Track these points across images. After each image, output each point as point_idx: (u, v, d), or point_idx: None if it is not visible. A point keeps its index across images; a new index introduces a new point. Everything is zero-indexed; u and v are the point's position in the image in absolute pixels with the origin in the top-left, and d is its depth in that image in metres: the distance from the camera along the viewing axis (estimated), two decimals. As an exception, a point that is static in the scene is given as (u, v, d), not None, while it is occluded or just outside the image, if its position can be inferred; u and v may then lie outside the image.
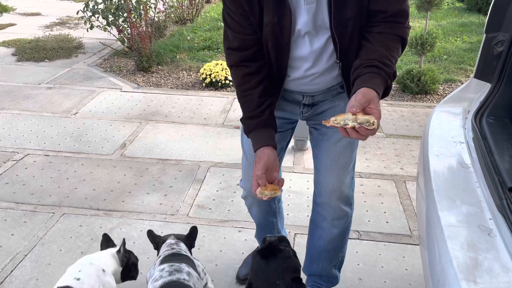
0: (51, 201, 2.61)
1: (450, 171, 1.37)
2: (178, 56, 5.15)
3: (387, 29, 1.29)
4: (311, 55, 1.36)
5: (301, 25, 1.30)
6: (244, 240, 2.31)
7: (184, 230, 2.36)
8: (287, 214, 2.48)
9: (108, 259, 1.72)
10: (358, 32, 1.31)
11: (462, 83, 4.43)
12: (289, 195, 2.67)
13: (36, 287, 2.00)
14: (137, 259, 1.83)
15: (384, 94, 1.27)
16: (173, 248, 1.69)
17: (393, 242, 2.30)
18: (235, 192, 2.71)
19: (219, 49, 5.38)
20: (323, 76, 1.41)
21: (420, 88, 4.11)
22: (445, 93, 4.23)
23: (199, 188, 2.75)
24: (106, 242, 1.83)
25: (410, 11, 1.33)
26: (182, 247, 1.73)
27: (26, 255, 2.18)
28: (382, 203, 2.61)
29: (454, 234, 1.08)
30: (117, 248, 1.76)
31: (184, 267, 1.56)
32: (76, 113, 3.77)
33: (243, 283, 2.03)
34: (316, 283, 1.87)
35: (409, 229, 2.39)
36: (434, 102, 4.06)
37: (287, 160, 3.02)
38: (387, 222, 2.44)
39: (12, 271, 2.09)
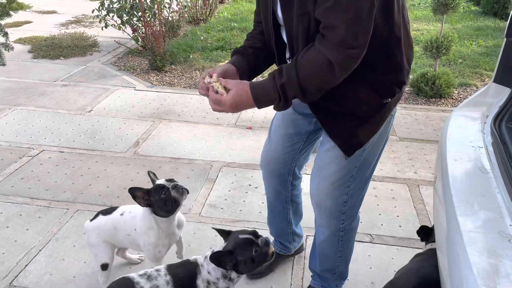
0: (65, 197, 2.64)
1: (468, 176, 1.36)
2: (191, 56, 5.18)
3: (316, 41, 1.23)
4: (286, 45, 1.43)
5: (279, 16, 1.36)
6: (256, 241, 2.31)
7: (197, 229, 2.38)
8: None
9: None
10: (306, 35, 1.28)
11: (477, 87, 4.38)
12: (301, 197, 2.66)
13: (50, 282, 2.02)
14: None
15: (274, 104, 1.30)
16: None
17: (406, 247, 2.28)
18: (247, 192, 2.72)
19: (232, 50, 5.39)
20: None
21: (434, 92, 4.07)
22: (460, 97, 4.19)
23: (211, 187, 2.76)
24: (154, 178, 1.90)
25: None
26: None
27: (40, 250, 2.21)
28: (395, 207, 2.59)
29: (473, 240, 1.07)
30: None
31: None
32: (91, 110, 3.81)
33: (252, 278, 2.06)
34: (313, 277, 1.93)
35: (423, 233, 2.37)
36: (449, 106, 4.02)
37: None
38: (400, 226, 2.42)
39: (26, 265, 2.11)
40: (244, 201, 2.64)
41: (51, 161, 3.01)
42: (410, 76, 4.51)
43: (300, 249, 2.19)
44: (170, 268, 1.59)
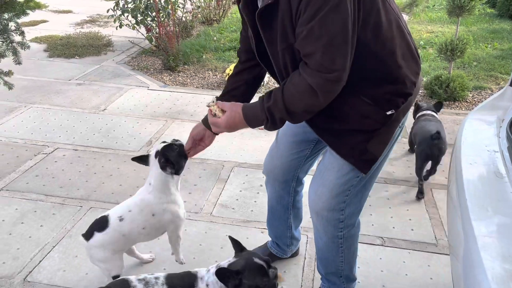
0: (79, 194, 2.67)
1: (483, 180, 1.35)
2: (204, 56, 5.20)
3: (300, 67, 1.29)
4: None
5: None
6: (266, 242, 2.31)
7: (208, 228, 2.39)
8: (310, 217, 2.46)
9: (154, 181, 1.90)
10: (294, 64, 1.33)
11: (492, 91, 4.33)
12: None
13: (63, 278, 2.05)
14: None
15: (264, 124, 1.38)
16: None
17: (418, 250, 2.26)
18: (258, 193, 2.72)
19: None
20: None
21: (448, 95, 4.03)
22: (474, 100, 4.14)
23: (223, 187, 2.77)
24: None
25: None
26: None
27: (54, 247, 2.24)
28: (408, 210, 2.57)
29: (488, 245, 1.06)
30: None
31: None
32: (105, 109, 3.85)
33: None
34: (322, 279, 1.92)
35: (435, 237, 2.35)
36: (463, 109, 3.98)
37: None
38: (412, 230, 2.41)
39: (40, 261, 2.15)
40: (255, 201, 2.64)
41: (65, 159, 3.06)
42: (424, 79, 4.47)
43: (296, 253, 2.19)
44: (169, 278, 1.58)
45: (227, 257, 2.17)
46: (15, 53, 2.20)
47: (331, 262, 1.77)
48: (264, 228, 2.39)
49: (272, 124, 1.36)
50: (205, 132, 1.68)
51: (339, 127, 1.43)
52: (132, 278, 1.58)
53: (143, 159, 1.89)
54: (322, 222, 1.64)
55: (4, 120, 3.59)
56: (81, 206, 2.56)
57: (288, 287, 2.03)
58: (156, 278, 1.58)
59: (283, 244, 2.10)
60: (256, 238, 2.33)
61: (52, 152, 3.14)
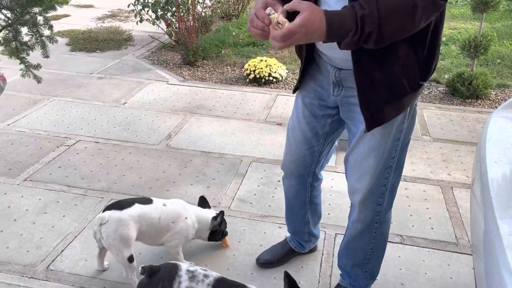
0: (100, 186, 2.72)
1: (509, 178, 1.32)
2: (223, 51, 5.21)
3: None
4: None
5: None
6: (284, 237, 2.31)
7: (227, 223, 2.40)
8: (328, 214, 2.47)
9: (197, 217, 2.06)
10: None
11: (516, 89, 4.23)
12: (330, 195, 2.65)
13: (84, 267, 2.10)
14: (226, 232, 2.20)
15: (345, 37, 1.16)
16: None
17: (438, 249, 2.23)
18: (276, 188, 2.72)
19: (264, 45, 5.40)
20: None
21: (471, 92, 3.96)
22: (498, 98, 4.06)
23: (241, 182, 2.78)
24: (203, 204, 2.18)
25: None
26: None
27: (76, 237, 2.29)
28: (427, 208, 2.54)
29: (514, 244, 1.04)
30: (214, 215, 2.10)
31: None
32: (125, 103, 3.90)
33: (262, 266, 2.11)
34: (342, 275, 1.92)
35: (455, 236, 2.32)
36: (486, 107, 3.90)
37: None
38: (432, 228, 2.38)
39: (62, 250, 2.20)
40: (273, 196, 2.65)
41: (87, 151, 3.11)
42: (446, 76, 4.40)
43: (314, 249, 2.20)
44: (218, 282, 1.56)
45: (245, 251, 2.20)
46: (43, 46, 2.26)
47: (360, 251, 1.77)
48: (281, 223, 2.40)
49: (358, 38, 1.15)
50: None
51: (377, 76, 1.34)
52: (183, 266, 1.57)
53: None
54: (364, 209, 1.64)
55: (27, 112, 3.67)
56: (102, 198, 2.60)
57: (306, 282, 2.04)
58: (206, 276, 1.56)
59: (301, 239, 2.11)
60: (274, 233, 2.34)
61: (74, 144, 3.20)
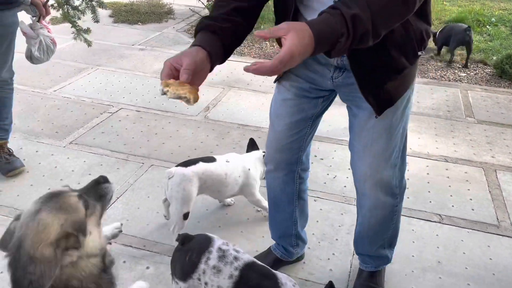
0: (141, 152, 2.80)
1: None
2: (262, 26, 5.17)
3: None
4: None
5: None
6: (320, 210, 2.32)
7: (262, 193, 2.43)
8: (345, 186, 2.45)
9: (255, 162, 2.14)
10: None
11: None
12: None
13: (126, 226, 2.18)
14: None
15: (337, 43, 1.00)
16: None
17: (478, 230, 2.18)
18: (312, 162, 2.69)
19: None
20: None
21: (520, 75, 3.78)
22: (550, 82, 3.85)
23: (278, 155, 2.79)
24: (252, 146, 2.24)
25: None
26: None
27: (118, 198, 2.38)
28: (469, 189, 2.48)
29: None
30: (262, 152, 2.16)
31: None
32: (165, 74, 3.95)
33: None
34: (365, 261, 1.83)
35: (497, 219, 2.26)
36: (536, 91, 3.72)
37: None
38: (472, 210, 2.32)
39: (106, 210, 2.29)
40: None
41: (128, 119, 3.20)
42: (494, 57, 4.21)
43: (301, 257, 1.99)
44: (247, 267, 1.45)
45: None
46: (94, 11, 2.32)
47: (384, 233, 1.71)
48: (317, 197, 2.40)
49: (352, 40, 1.01)
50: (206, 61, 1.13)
51: (377, 63, 1.28)
52: (217, 242, 1.49)
53: None
54: (381, 195, 1.56)
55: (73, 79, 3.80)
56: (143, 163, 2.68)
57: (336, 269, 2.04)
58: (236, 258, 1.46)
59: (287, 244, 1.88)
60: (310, 206, 2.33)
61: (116, 111, 3.29)
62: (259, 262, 1.53)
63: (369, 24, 1.01)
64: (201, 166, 1.98)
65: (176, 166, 2.00)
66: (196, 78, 1.09)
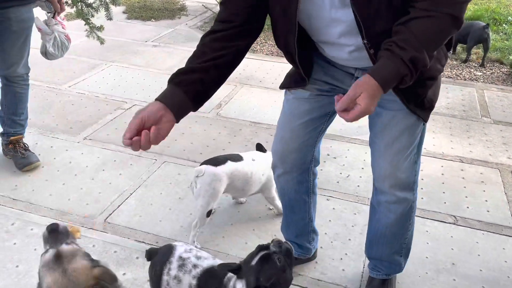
0: (154, 148, 2.79)
1: None
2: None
3: (431, 5, 1.12)
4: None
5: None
6: (332, 209, 2.31)
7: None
8: (358, 186, 2.43)
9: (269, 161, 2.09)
10: (389, 8, 1.16)
11: None
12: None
13: (139, 222, 2.20)
14: None
15: (402, 81, 1.16)
16: None
17: (493, 232, 2.15)
18: (324, 161, 2.71)
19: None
20: (361, 51, 1.28)
21: (538, 75, 3.71)
22: None
23: (290, 153, 2.78)
24: (260, 149, 2.19)
25: None
26: None
27: (131, 194, 2.39)
28: (484, 191, 2.44)
29: None
30: None
31: None
32: (178, 71, 3.96)
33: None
34: (376, 266, 1.80)
35: (513, 221, 2.23)
36: (554, 91, 3.65)
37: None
38: (487, 211, 2.29)
39: (119, 206, 2.31)
40: (321, 169, 2.63)
41: (141, 115, 3.21)
42: (510, 56, 4.14)
43: (313, 257, 1.97)
44: (204, 273, 1.40)
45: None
46: (107, 8, 2.33)
47: (400, 236, 1.68)
48: (330, 196, 2.39)
49: (415, 75, 1.16)
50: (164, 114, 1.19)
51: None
52: (177, 251, 1.45)
53: None
54: (401, 192, 1.55)
55: (87, 75, 3.83)
56: (156, 160, 2.69)
57: (348, 269, 2.03)
58: (195, 266, 1.42)
59: (304, 241, 1.88)
60: (322, 205, 2.33)
61: (130, 108, 3.31)
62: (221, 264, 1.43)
63: (426, 59, 1.15)
64: (230, 166, 1.97)
65: (204, 163, 1.98)
66: (147, 123, 1.16)
